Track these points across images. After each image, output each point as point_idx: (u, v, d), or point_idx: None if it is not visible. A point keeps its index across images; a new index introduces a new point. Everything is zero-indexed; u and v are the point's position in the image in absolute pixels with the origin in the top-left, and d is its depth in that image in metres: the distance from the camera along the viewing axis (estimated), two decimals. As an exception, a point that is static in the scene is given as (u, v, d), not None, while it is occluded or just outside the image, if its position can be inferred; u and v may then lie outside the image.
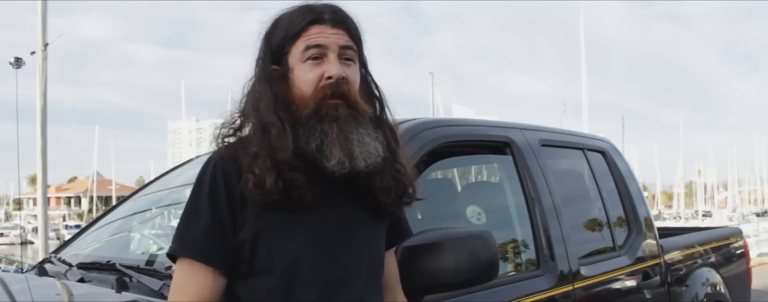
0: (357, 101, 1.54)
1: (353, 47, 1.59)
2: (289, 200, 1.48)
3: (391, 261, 1.74)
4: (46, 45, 11.72)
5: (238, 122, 1.60)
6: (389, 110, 1.66)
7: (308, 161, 1.50)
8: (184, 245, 1.52)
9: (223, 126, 1.61)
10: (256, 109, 1.55)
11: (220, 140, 1.60)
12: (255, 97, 1.57)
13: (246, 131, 1.59)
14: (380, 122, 1.62)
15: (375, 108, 1.62)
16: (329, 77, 1.53)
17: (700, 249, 4.01)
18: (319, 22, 1.56)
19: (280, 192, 1.47)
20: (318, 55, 1.55)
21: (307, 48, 1.54)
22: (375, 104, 1.63)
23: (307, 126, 1.51)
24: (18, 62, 10.80)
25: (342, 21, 1.58)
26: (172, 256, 1.54)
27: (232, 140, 1.60)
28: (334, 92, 1.52)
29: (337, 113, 1.51)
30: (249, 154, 1.50)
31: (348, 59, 1.57)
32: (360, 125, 1.53)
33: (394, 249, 1.78)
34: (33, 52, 11.67)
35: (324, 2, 1.61)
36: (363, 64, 1.65)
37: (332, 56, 1.54)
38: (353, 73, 1.58)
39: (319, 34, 1.55)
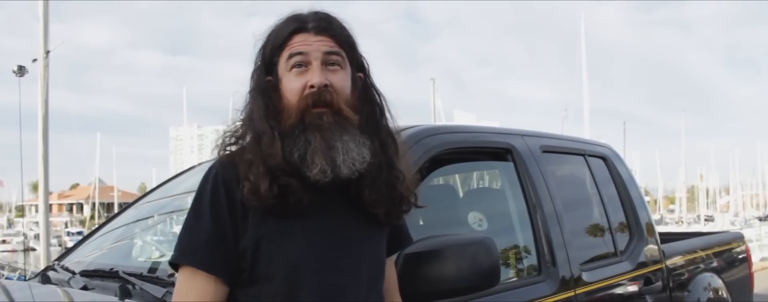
0: (342, 109, 1.54)
1: (339, 52, 1.58)
2: (287, 206, 1.49)
3: (390, 268, 1.75)
4: (47, 52, 11.76)
5: (240, 130, 1.61)
6: (390, 116, 1.65)
7: (297, 170, 1.51)
8: (186, 253, 1.53)
9: (224, 135, 1.63)
10: (251, 119, 1.58)
11: (221, 149, 1.62)
12: (249, 107, 1.59)
13: (246, 139, 1.60)
14: (377, 127, 1.61)
15: (374, 113, 1.62)
16: (312, 86, 1.53)
17: (702, 253, 4.01)
18: (303, 30, 1.57)
19: (275, 197, 1.48)
20: (301, 62, 1.55)
21: (290, 56, 1.56)
22: (374, 109, 1.63)
23: (292, 136, 1.52)
24: (21, 70, 10.84)
25: (325, 28, 1.58)
26: (175, 264, 1.55)
27: (233, 148, 1.61)
28: (317, 100, 1.52)
29: (321, 121, 1.51)
30: (244, 161, 1.53)
31: (333, 64, 1.56)
32: (346, 133, 1.53)
33: (393, 256, 1.78)
34: (35, 60, 11.71)
35: (313, 10, 1.61)
36: (360, 68, 1.64)
37: (315, 64, 1.55)
38: (340, 80, 1.56)
39: (301, 42, 1.56)
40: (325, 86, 1.53)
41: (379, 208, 1.59)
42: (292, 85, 1.55)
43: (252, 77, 1.63)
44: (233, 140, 1.61)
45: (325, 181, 1.50)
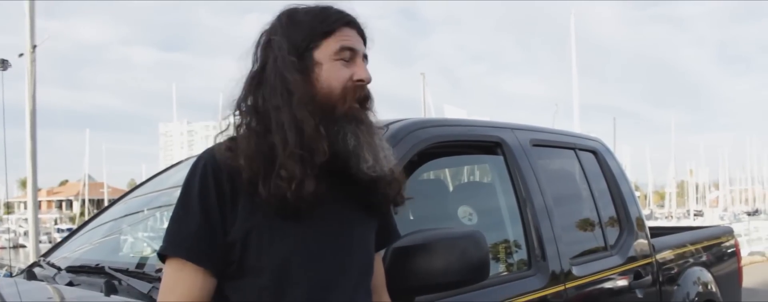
0: (370, 109, 1.59)
1: (367, 57, 1.62)
2: (297, 204, 1.47)
3: (377, 265, 1.74)
4: (34, 47, 11.68)
5: (238, 119, 1.55)
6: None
7: (342, 162, 1.51)
8: (174, 244, 1.50)
9: (234, 114, 1.56)
10: (288, 102, 1.49)
11: (234, 129, 1.56)
12: (284, 87, 1.50)
13: (242, 130, 1.54)
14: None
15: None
16: (359, 80, 1.55)
17: (692, 248, 4.02)
18: (352, 25, 1.59)
19: (313, 196, 1.46)
20: (350, 56, 1.57)
21: (343, 49, 1.55)
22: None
23: (335, 125, 1.52)
24: (4, 64, 10.75)
25: (363, 31, 1.62)
26: (162, 256, 1.53)
27: (225, 139, 1.57)
28: (360, 95, 1.56)
29: (362, 116, 1.55)
30: (291, 156, 1.45)
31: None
32: (377, 132, 1.58)
33: (381, 251, 1.77)
34: (21, 55, 11.62)
35: (342, 8, 1.62)
36: None
37: (360, 61, 1.58)
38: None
39: (351, 37, 1.58)
40: (370, 81, 1.58)
41: (388, 197, 1.62)
42: (341, 73, 1.55)
43: (273, 55, 1.54)
44: (227, 127, 1.56)
45: (372, 176, 1.52)
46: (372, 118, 1.59)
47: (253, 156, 1.47)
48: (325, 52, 1.55)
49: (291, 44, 1.54)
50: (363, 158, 1.50)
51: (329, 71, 1.54)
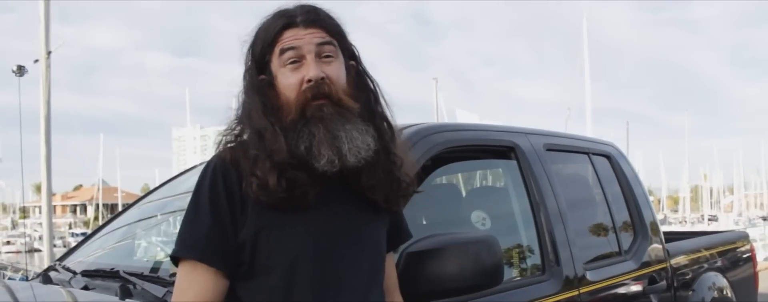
0: (341, 99, 1.54)
1: (331, 42, 1.58)
2: (293, 200, 1.49)
3: (390, 266, 1.74)
4: (49, 53, 11.79)
5: (238, 129, 1.61)
6: (385, 102, 1.66)
7: (303, 162, 1.51)
8: (187, 246, 1.52)
9: (224, 132, 1.63)
10: (249, 117, 1.57)
11: (221, 145, 1.61)
12: (246, 107, 1.59)
13: (245, 136, 1.60)
14: (372, 114, 1.61)
15: (369, 100, 1.62)
16: (309, 80, 1.53)
17: (707, 253, 3.99)
18: (292, 26, 1.57)
19: (284, 191, 1.48)
20: (295, 57, 1.55)
21: (282, 51, 1.56)
22: (369, 96, 1.63)
23: (295, 130, 1.52)
24: (20, 70, 10.84)
25: (314, 20, 1.58)
26: (175, 258, 1.55)
27: (232, 144, 1.60)
28: (316, 93, 1.53)
29: (322, 113, 1.52)
30: (249, 158, 1.52)
31: (327, 56, 1.57)
32: (347, 122, 1.53)
33: (393, 253, 1.77)
34: (36, 60, 11.73)
35: (298, 3, 1.60)
36: (352, 56, 1.64)
37: (309, 57, 1.55)
38: (335, 70, 1.57)
39: (292, 37, 1.56)
40: (322, 78, 1.53)
41: (378, 194, 1.59)
42: (289, 81, 1.55)
43: (244, 76, 1.63)
44: (232, 138, 1.61)
45: (334, 171, 1.50)
46: (343, 108, 1.53)
47: (239, 159, 1.53)
48: (275, 62, 1.58)
49: (255, 61, 1.60)
50: (315, 156, 1.50)
51: (282, 81, 1.56)
